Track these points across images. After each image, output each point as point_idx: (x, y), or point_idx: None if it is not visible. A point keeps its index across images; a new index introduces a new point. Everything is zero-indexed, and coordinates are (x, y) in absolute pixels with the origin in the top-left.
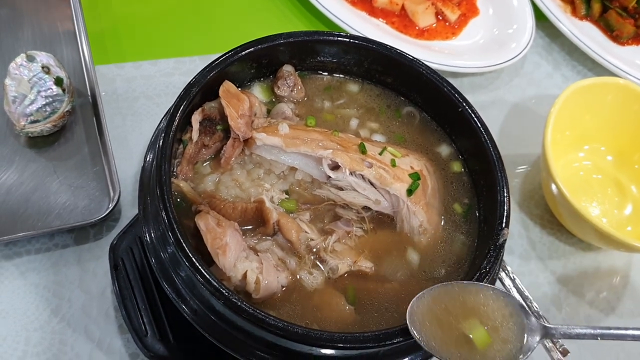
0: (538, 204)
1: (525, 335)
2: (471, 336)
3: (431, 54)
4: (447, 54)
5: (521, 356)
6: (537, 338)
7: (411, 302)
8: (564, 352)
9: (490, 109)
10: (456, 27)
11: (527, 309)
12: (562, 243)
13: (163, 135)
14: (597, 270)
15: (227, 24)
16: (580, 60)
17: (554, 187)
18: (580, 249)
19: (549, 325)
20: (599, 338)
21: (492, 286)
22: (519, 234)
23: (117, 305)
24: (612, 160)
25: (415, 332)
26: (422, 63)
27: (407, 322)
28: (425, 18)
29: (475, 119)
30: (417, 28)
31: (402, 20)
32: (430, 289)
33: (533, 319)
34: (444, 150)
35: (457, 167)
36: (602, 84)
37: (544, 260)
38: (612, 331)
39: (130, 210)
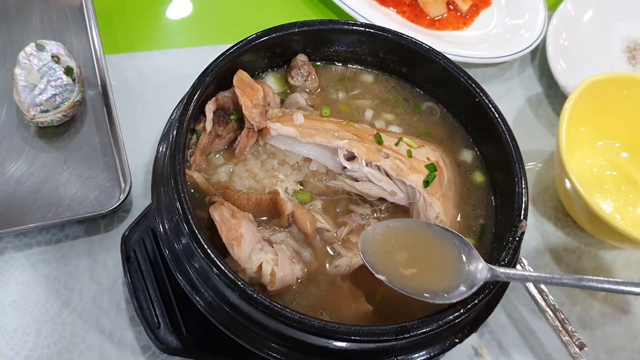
0: (551, 200)
1: (468, 272)
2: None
3: (442, 44)
4: (458, 44)
5: (462, 287)
6: (483, 277)
7: (366, 229)
8: (581, 346)
9: (502, 101)
10: (467, 17)
11: (472, 247)
12: (576, 237)
13: (177, 124)
14: (613, 264)
15: (236, 13)
16: None
17: (568, 184)
18: (595, 243)
19: (496, 268)
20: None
21: (441, 225)
22: (533, 228)
23: (129, 297)
24: (626, 157)
25: (363, 255)
26: (439, 52)
27: (359, 244)
28: (436, 8)
29: (493, 109)
30: (428, 18)
31: (413, 9)
32: (383, 222)
33: (477, 255)
34: (461, 143)
35: (472, 157)
36: (617, 79)
37: (559, 254)
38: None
39: (141, 202)
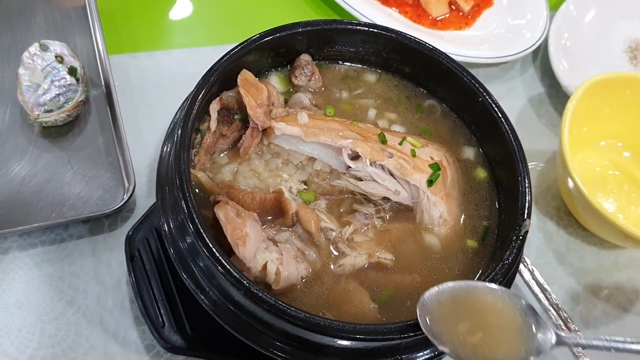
0: (554, 199)
1: (536, 339)
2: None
3: (444, 44)
4: (460, 44)
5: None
6: (550, 344)
7: (422, 296)
8: None
9: (504, 101)
10: (470, 17)
11: (537, 312)
12: (579, 236)
13: (181, 124)
14: (615, 263)
15: (239, 14)
16: None
17: (570, 182)
18: (597, 242)
19: (563, 334)
20: (612, 350)
21: (505, 289)
22: (536, 227)
23: (133, 296)
24: (629, 156)
25: (424, 325)
26: (442, 52)
27: (417, 312)
28: (438, 8)
29: (496, 108)
30: (430, 18)
31: (415, 9)
32: (441, 285)
33: (543, 321)
34: (463, 140)
35: (474, 156)
36: (620, 78)
37: (561, 253)
38: (628, 345)
39: (145, 201)
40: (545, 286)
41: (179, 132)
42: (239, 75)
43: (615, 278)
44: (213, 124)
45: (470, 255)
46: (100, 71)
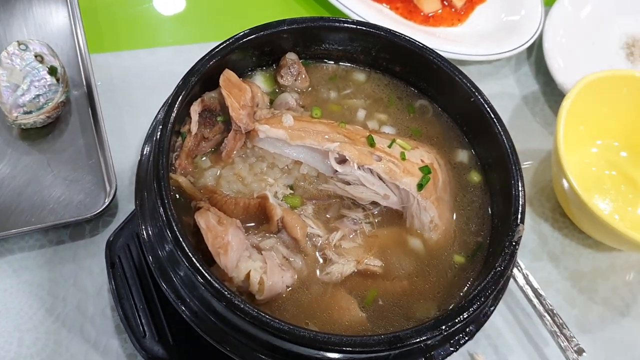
0: (548, 200)
1: None
2: None
3: (436, 41)
4: (452, 41)
5: None
6: None
7: None
8: (579, 352)
9: (498, 99)
10: (462, 13)
11: None
12: (574, 239)
13: (160, 127)
14: (611, 266)
15: (227, 10)
16: None
17: (565, 183)
18: (593, 244)
19: None
20: None
21: None
22: (530, 229)
23: (114, 304)
24: (626, 156)
25: None
26: (432, 50)
27: None
28: (430, 4)
29: (489, 109)
30: (422, 14)
31: (406, 5)
32: None
33: None
34: (456, 143)
35: (468, 159)
36: (616, 76)
37: (556, 256)
38: None
39: (127, 205)
40: (540, 291)
41: (158, 135)
42: (221, 76)
43: (612, 281)
44: (194, 127)
45: (463, 261)
46: (82, 71)
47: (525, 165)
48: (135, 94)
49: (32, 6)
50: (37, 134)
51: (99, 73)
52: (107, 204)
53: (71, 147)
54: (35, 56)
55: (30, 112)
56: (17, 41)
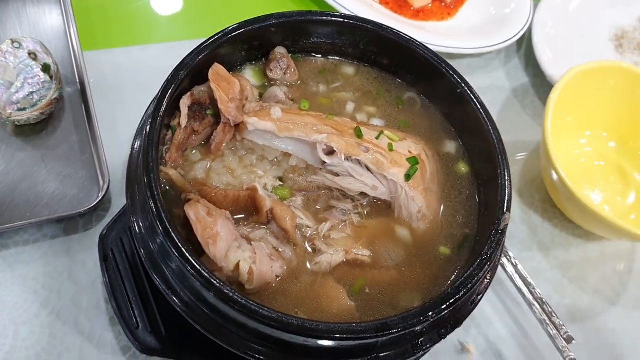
0: (538, 191)
1: None
2: None
3: (427, 34)
4: (443, 35)
5: None
6: None
7: None
8: (568, 340)
9: (488, 92)
10: (452, 7)
11: None
12: (564, 229)
13: (150, 120)
14: (601, 256)
15: (218, 7)
16: None
17: (554, 175)
18: (583, 234)
19: None
20: None
21: None
22: (520, 220)
23: (108, 297)
24: (614, 146)
25: None
26: (419, 43)
27: None
28: None
29: (475, 100)
30: (412, 8)
31: (396, 0)
32: None
33: None
34: (444, 134)
35: (456, 150)
36: (604, 68)
37: (546, 246)
38: None
39: (120, 200)
40: (529, 280)
41: (148, 128)
42: (210, 69)
43: (602, 271)
44: (183, 120)
45: (449, 253)
46: (75, 68)
47: (516, 157)
48: (127, 90)
49: (26, 5)
50: (31, 131)
51: (92, 70)
52: (100, 198)
53: (65, 143)
54: (29, 54)
55: (24, 109)
56: (11, 39)
